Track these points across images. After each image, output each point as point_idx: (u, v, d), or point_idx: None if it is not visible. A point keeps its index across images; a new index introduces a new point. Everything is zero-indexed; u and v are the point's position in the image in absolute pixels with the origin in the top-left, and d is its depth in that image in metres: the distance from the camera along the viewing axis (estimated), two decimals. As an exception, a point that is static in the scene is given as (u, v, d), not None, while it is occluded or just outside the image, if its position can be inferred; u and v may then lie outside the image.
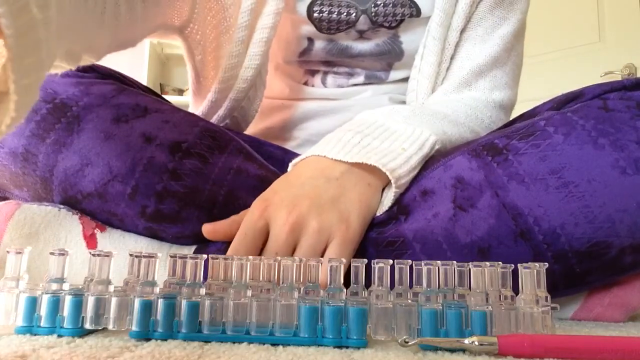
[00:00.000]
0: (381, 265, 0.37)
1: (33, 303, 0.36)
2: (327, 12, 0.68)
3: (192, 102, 0.81)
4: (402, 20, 0.70)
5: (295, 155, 0.69)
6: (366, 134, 0.56)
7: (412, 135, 0.56)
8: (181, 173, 0.53)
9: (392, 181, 0.51)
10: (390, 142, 0.55)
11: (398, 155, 0.53)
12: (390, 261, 0.37)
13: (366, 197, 0.51)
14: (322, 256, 0.47)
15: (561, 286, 0.47)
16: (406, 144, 0.54)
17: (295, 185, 0.51)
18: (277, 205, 0.49)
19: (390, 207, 0.52)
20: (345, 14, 0.68)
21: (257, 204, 0.50)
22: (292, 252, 0.48)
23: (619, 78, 2.13)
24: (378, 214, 0.52)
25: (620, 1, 2.22)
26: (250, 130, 0.77)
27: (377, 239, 0.51)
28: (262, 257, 0.38)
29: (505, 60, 0.71)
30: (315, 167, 0.53)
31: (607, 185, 0.45)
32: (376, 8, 0.68)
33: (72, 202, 0.55)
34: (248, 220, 0.49)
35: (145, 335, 0.35)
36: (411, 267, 0.38)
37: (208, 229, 0.52)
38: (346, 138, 0.55)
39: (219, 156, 0.56)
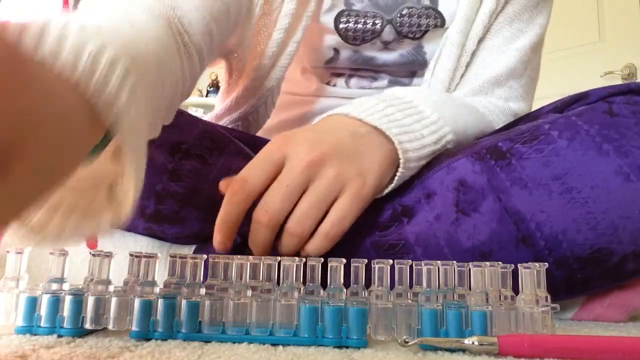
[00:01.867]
0: (381, 266, 0.37)
1: (33, 303, 0.36)
2: (353, 23, 0.68)
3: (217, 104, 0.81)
4: (426, 31, 0.70)
5: None
6: (391, 104, 0.54)
7: (435, 124, 0.54)
8: (180, 174, 0.53)
9: (401, 162, 0.50)
10: (412, 121, 0.53)
11: (416, 138, 0.51)
12: (390, 261, 0.37)
13: (385, 164, 0.49)
14: (329, 208, 0.46)
15: (562, 291, 0.47)
16: (426, 131, 0.53)
17: (319, 132, 0.50)
18: (298, 142, 0.47)
19: (394, 209, 0.51)
20: (370, 24, 0.68)
21: (277, 138, 0.48)
22: (302, 193, 0.45)
23: (618, 78, 2.13)
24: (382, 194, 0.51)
25: (620, 1, 2.22)
26: (265, 123, 0.77)
27: (379, 241, 0.50)
28: (263, 257, 0.38)
29: (522, 73, 0.71)
30: (340, 122, 0.52)
31: (611, 191, 0.44)
32: (401, 18, 0.68)
33: None
34: (265, 150, 0.47)
35: (145, 335, 0.35)
36: (411, 267, 0.38)
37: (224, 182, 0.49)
38: (370, 103, 0.53)
39: (217, 157, 0.56)
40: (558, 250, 0.45)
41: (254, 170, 0.46)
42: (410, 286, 0.38)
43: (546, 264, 0.37)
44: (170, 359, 0.30)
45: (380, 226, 0.51)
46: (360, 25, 0.68)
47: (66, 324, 0.36)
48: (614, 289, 0.50)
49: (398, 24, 0.68)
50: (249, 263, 0.37)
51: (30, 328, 0.36)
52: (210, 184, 0.54)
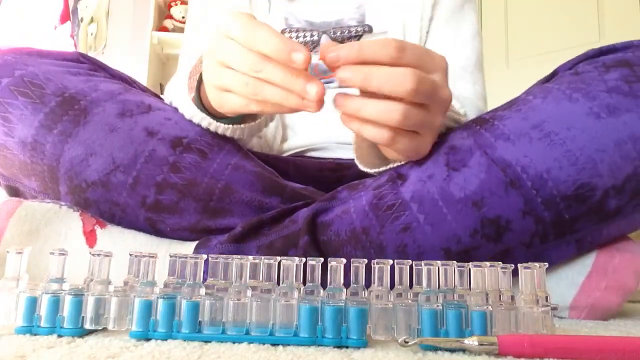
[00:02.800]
0: (381, 266, 0.37)
1: (33, 303, 0.36)
2: (294, 38, 0.78)
3: None
4: (360, 36, 0.78)
5: (292, 159, 0.73)
6: None
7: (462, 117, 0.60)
8: (181, 166, 0.55)
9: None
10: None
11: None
12: (390, 261, 0.37)
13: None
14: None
15: (552, 236, 0.49)
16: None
17: None
18: None
19: (390, 174, 0.54)
20: (309, 36, 0.78)
21: None
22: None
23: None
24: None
25: (620, 1, 2.21)
26: None
27: (377, 204, 0.52)
28: (262, 257, 0.38)
29: (469, 61, 0.80)
30: None
31: (585, 130, 0.48)
32: (334, 29, 0.78)
33: (78, 191, 0.56)
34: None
35: (145, 335, 0.35)
36: (411, 267, 0.38)
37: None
38: None
39: (217, 152, 0.57)
40: (544, 190, 0.48)
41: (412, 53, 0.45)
42: (410, 286, 0.38)
43: (546, 264, 0.37)
44: (170, 359, 0.30)
45: (377, 188, 0.54)
46: (301, 39, 0.78)
47: (66, 324, 0.36)
48: (609, 270, 0.52)
49: (332, 32, 0.78)
50: (248, 263, 0.37)
51: (30, 328, 0.36)
52: (210, 177, 0.55)
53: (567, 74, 0.54)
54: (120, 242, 0.55)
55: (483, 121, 0.54)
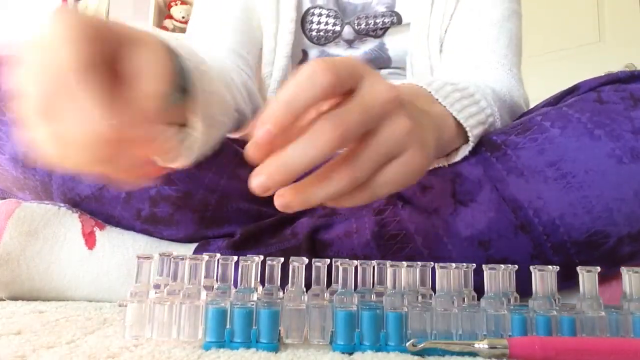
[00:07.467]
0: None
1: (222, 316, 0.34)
2: (316, 23, 0.74)
3: None
4: (387, 29, 0.74)
5: None
6: (456, 88, 0.49)
7: (484, 109, 0.50)
8: (174, 178, 0.53)
9: (471, 139, 0.47)
10: (469, 103, 0.49)
11: (470, 116, 0.48)
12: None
13: (443, 141, 0.46)
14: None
15: (560, 278, 0.47)
16: (474, 109, 0.49)
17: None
18: (375, 75, 0.35)
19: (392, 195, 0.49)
20: (331, 24, 0.74)
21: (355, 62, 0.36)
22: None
23: (619, 78, 2.12)
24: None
25: (620, 1, 2.21)
26: None
27: (380, 232, 0.50)
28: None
29: (506, 42, 0.71)
30: (413, 87, 0.47)
31: (605, 174, 0.44)
32: (359, 20, 0.74)
33: (72, 204, 0.56)
34: (346, 60, 0.35)
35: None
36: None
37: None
38: (437, 84, 0.49)
39: (212, 161, 0.54)
40: (556, 235, 0.45)
41: (340, 67, 0.33)
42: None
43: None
44: (170, 359, 0.30)
45: (375, 210, 0.51)
46: (322, 26, 0.74)
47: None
48: (612, 280, 0.50)
49: (355, 24, 0.74)
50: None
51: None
52: (205, 188, 0.54)
53: (589, 99, 0.49)
54: (120, 244, 0.54)
55: (494, 147, 0.49)
